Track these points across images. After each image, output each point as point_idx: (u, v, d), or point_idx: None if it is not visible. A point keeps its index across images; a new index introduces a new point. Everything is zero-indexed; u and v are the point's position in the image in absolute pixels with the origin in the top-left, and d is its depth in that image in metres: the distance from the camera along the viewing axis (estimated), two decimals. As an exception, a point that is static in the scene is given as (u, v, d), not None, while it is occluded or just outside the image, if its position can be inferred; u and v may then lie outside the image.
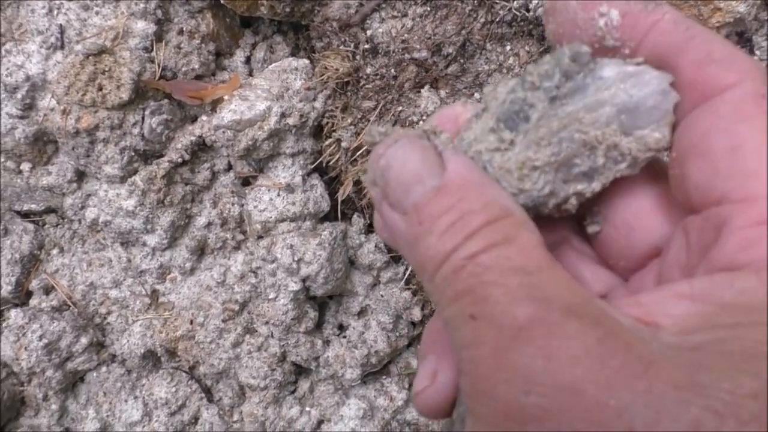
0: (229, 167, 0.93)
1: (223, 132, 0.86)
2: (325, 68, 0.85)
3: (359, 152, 0.84)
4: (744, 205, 0.23)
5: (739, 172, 0.24)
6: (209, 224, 0.92)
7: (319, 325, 0.95)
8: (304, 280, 0.89)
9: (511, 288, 0.23)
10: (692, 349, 0.21)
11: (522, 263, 0.24)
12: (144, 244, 0.91)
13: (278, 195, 0.89)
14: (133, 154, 0.87)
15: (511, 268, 0.24)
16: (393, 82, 0.84)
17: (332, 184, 0.93)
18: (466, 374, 0.24)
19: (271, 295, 0.90)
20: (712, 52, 0.25)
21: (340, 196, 0.88)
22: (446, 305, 0.25)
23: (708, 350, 0.21)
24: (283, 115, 0.86)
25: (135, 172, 0.88)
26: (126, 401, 0.94)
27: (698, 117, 0.26)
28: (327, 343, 0.94)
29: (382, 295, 0.93)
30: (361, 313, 0.95)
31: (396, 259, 0.93)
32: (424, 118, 0.82)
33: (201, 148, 0.92)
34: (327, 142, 0.88)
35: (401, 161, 0.27)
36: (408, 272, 0.93)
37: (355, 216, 0.92)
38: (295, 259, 0.87)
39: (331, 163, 0.89)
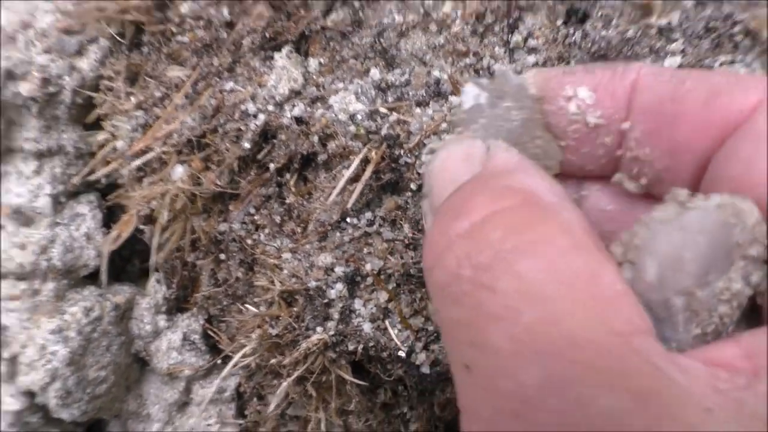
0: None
1: None
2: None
3: (145, 159, 0.43)
4: None
5: None
6: None
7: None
8: (31, 394, 0.47)
9: None
10: None
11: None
12: None
13: None
14: None
15: None
16: (225, 35, 0.43)
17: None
18: None
19: (-31, 415, 0.47)
20: (714, 85, 0.24)
21: (107, 245, 0.46)
22: None
23: None
24: (10, 75, 0.45)
25: None
26: None
27: (736, 148, 0.23)
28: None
29: (193, 427, 0.51)
30: (152, 455, 0.52)
31: (219, 366, 0.51)
32: (270, 107, 0.41)
33: None
34: (100, 138, 0.46)
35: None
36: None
37: (152, 280, 0.50)
38: (6, 354, 0.45)
39: (110, 174, 0.47)
